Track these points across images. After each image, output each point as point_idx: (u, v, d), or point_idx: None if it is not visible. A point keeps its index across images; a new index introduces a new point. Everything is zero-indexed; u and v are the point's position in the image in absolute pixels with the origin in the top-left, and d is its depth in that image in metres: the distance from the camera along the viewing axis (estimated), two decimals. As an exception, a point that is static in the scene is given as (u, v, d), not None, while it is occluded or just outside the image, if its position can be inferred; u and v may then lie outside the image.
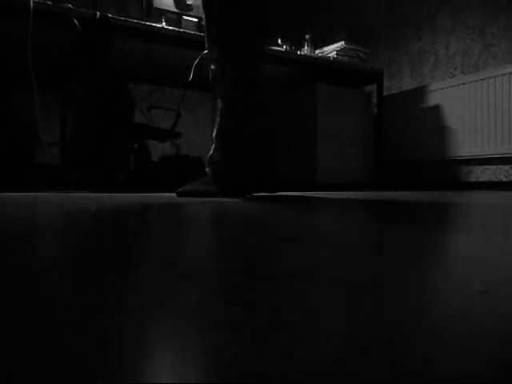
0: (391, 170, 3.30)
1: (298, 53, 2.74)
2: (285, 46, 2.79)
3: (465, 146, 2.76)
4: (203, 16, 1.39)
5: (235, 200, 1.19)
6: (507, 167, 2.63)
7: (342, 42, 2.88)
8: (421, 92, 3.03)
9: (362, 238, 0.40)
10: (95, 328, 0.15)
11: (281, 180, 1.54)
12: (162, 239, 0.38)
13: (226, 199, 1.22)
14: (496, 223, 0.54)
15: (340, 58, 2.87)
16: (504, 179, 2.65)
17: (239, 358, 0.12)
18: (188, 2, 2.62)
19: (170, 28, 2.24)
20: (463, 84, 2.77)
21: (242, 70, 1.36)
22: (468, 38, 2.85)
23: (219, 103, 1.38)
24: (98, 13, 1.99)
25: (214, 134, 1.40)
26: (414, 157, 3.07)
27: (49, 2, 1.92)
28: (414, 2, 3.19)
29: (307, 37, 2.94)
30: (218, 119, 1.38)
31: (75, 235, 0.40)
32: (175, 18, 2.56)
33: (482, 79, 2.66)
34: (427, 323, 0.16)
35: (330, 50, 2.91)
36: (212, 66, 1.38)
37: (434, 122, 2.93)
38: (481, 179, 2.76)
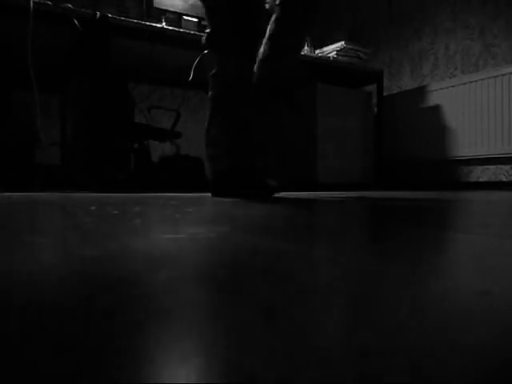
0: (391, 170, 3.30)
1: (298, 53, 2.74)
2: (285, 46, 2.79)
3: (465, 145, 2.76)
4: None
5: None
6: (507, 167, 2.63)
7: (342, 42, 2.88)
8: (421, 92, 3.03)
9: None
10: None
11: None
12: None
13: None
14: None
15: (340, 58, 2.87)
16: (504, 179, 2.65)
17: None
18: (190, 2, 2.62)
19: (170, 28, 2.24)
20: (463, 84, 2.77)
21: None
22: (468, 38, 2.85)
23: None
24: (98, 13, 1.99)
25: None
26: (413, 157, 3.07)
27: (49, 2, 1.92)
28: (414, 2, 3.19)
29: (307, 37, 2.94)
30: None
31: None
32: (175, 18, 2.56)
33: (482, 79, 2.66)
34: (427, 322, 0.16)
35: (330, 50, 2.91)
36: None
37: (434, 122, 2.93)
38: (481, 179, 2.76)
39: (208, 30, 1.47)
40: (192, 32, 2.33)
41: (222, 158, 1.42)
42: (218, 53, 1.47)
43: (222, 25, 1.44)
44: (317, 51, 2.98)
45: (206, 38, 1.46)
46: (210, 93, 1.47)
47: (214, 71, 1.47)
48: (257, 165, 1.44)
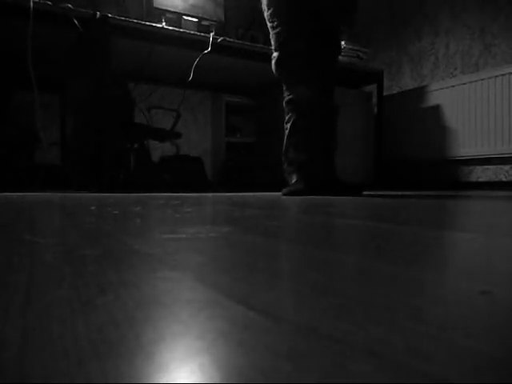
0: (391, 170, 3.29)
1: (298, 53, 2.73)
2: (285, 46, 2.78)
3: (465, 146, 2.76)
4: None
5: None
6: (507, 167, 2.62)
7: (342, 42, 2.88)
8: (421, 92, 3.02)
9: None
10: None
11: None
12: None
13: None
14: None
15: (340, 57, 2.86)
16: (504, 179, 2.64)
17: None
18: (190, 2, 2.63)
19: (170, 28, 2.24)
20: (463, 84, 2.77)
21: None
22: (468, 38, 2.85)
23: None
24: (98, 13, 1.99)
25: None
26: (414, 157, 3.07)
27: (49, 2, 1.91)
28: (413, 2, 3.19)
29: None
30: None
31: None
32: (175, 18, 2.56)
33: (482, 79, 2.66)
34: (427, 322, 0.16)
35: (330, 50, 2.90)
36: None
37: (434, 121, 2.93)
38: (481, 179, 2.76)
39: (276, 55, 1.64)
40: (192, 32, 2.33)
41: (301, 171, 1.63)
42: (288, 80, 1.61)
43: (294, 53, 1.62)
44: (317, 51, 2.98)
45: (276, 64, 1.64)
46: (286, 118, 1.66)
47: (287, 98, 1.65)
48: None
